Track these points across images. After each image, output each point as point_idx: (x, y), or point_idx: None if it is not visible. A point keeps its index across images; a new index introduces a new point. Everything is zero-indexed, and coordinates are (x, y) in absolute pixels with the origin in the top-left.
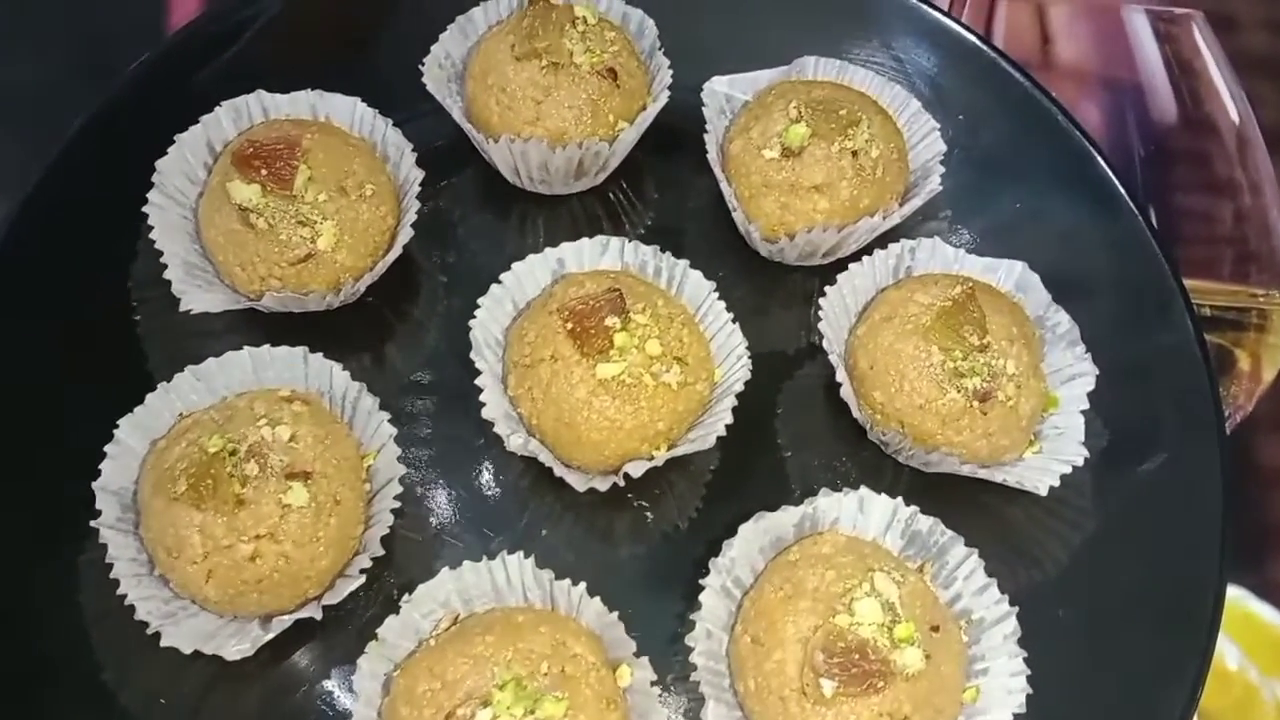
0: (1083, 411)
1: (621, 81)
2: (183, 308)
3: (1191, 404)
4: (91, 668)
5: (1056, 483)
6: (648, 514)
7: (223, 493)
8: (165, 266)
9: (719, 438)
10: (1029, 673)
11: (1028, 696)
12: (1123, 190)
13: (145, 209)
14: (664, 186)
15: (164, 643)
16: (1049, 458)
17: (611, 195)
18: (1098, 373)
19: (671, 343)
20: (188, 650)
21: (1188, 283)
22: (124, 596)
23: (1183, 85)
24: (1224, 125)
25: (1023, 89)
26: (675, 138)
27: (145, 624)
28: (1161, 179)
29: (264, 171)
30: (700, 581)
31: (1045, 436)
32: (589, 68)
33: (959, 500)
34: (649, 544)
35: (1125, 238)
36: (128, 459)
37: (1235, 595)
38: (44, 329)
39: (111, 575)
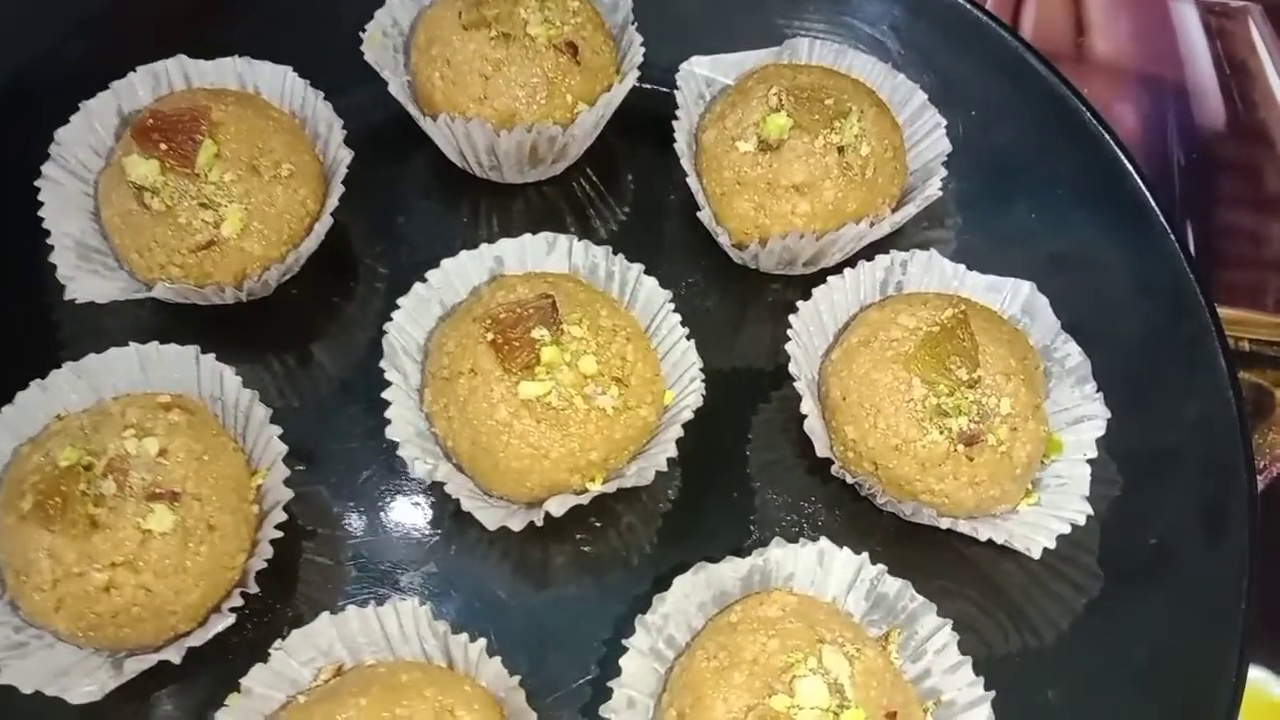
0: (1090, 460)
1: (583, 58)
2: (68, 296)
3: (1219, 454)
4: None
5: (1052, 544)
6: (586, 548)
7: (72, 513)
8: (52, 249)
9: (677, 466)
10: None
11: None
12: (1155, 205)
13: (38, 183)
14: (635, 179)
15: (3, 680)
16: (1047, 512)
17: (574, 186)
18: (1109, 416)
19: (611, 360)
20: (26, 690)
21: (1226, 312)
22: None
23: (1234, 87)
24: (1279, 134)
25: (1047, 85)
26: (651, 124)
27: None
28: (1203, 192)
29: (163, 146)
30: (624, 642)
31: (1045, 486)
32: (546, 41)
33: (942, 551)
34: (583, 586)
35: (1154, 260)
36: None
37: (1258, 679)
38: None
39: None
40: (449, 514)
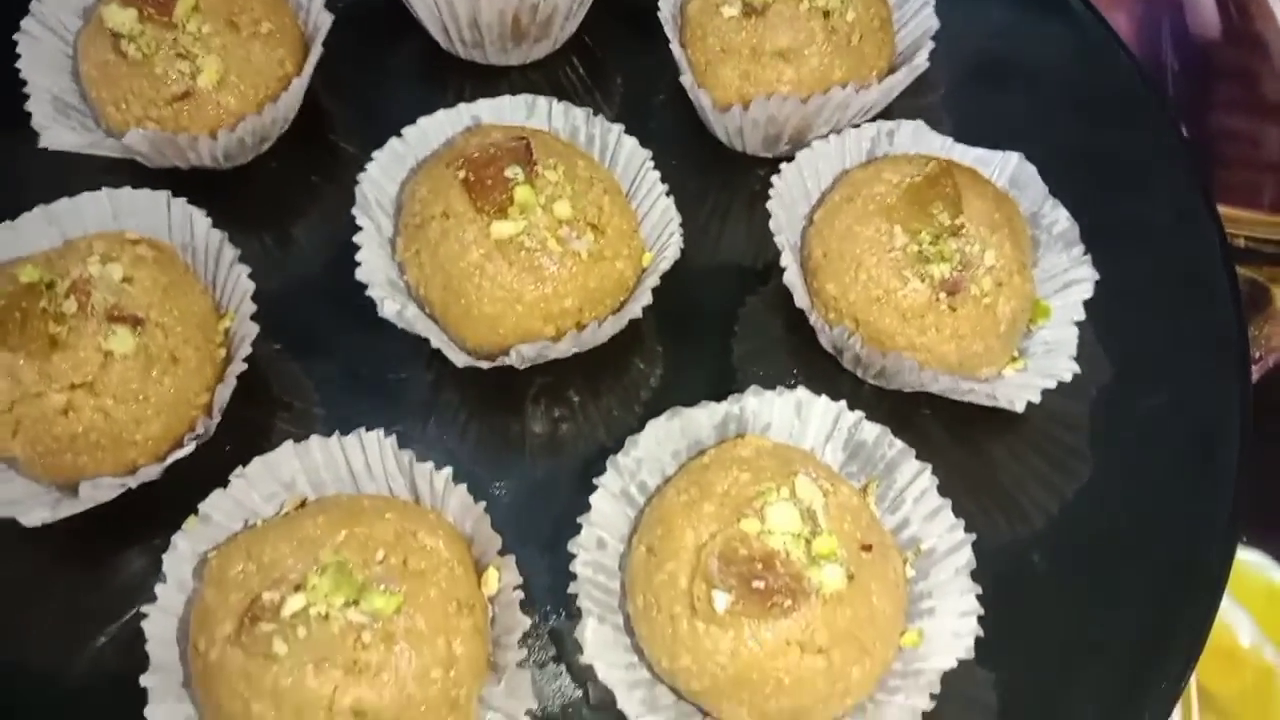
0: (1078, 323)
1: None
2: (42, 143)
3: (1212, 332)
4: None
5: (1037, 399)
6: (563, 425)
7: (32, 330)
8: (27, 99)
9: (660, 352)
10: (981, 612)
11: (989, 654)
12: (1145, 83)
13: (16, 36)
14: (620, 67)
15: None
16: (1033, 374)
17: (559, 73)
18: (1098, 278)
19: (587, 208)
20: None
21: (1223, 210)
22: None
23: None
24: (1274, 43)
25: None
26: (636, 13)
27: None
28: (1198, 96)
29: None
30: (595, 480)
31: (1032, 353)
32: None
33: (928, 428)
34: (558, 456)
35: (1149, 139)
36: None
37: (1256, 563)
38: None
39: None
40: (429, 382)
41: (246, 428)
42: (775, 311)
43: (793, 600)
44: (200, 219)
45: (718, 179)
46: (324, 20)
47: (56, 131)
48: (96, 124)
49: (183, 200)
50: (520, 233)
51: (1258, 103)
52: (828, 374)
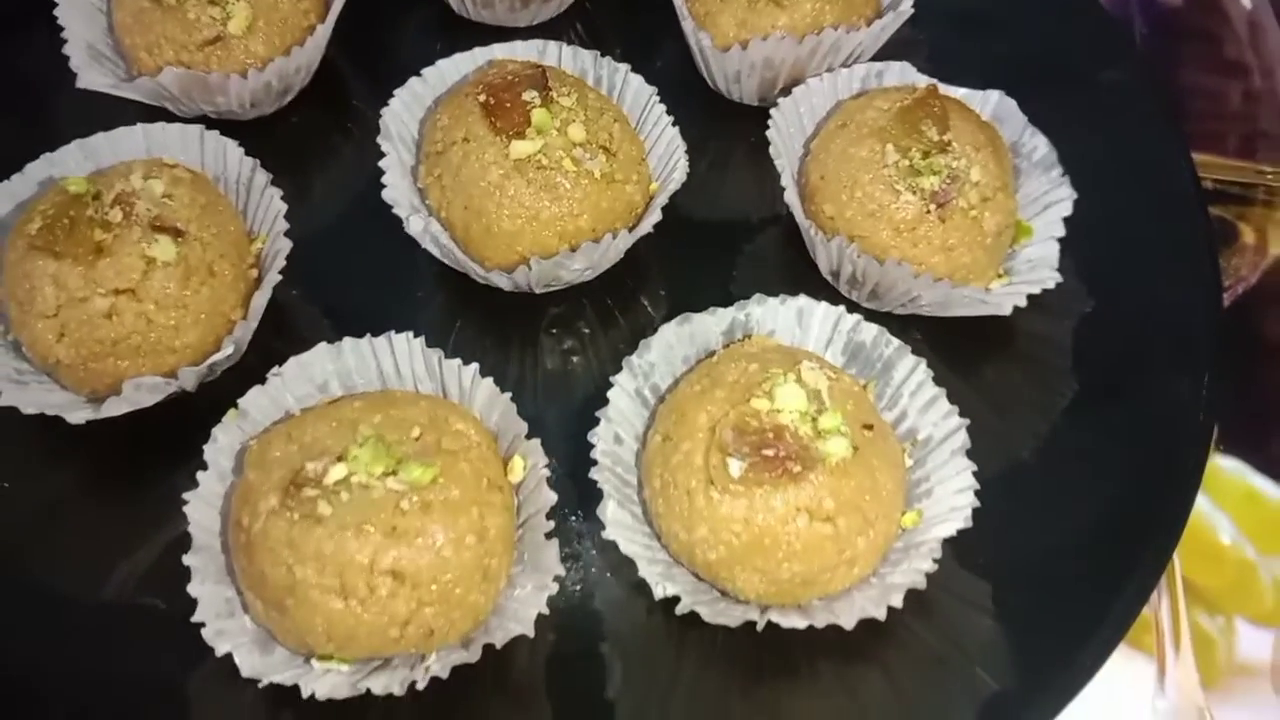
0: (1059, 239)
1: None
2: (79, 84)
3: (1186, 251)
4: None
5: (1023, 302)
6: (574, 358)
7: (79, 236)
8: (65, 43)
9: (660, 294)
10: (977, 486)
11: (980, 546)
12: (1121, 31)
13: None
14: (624, 26)
15: (2, 401)
16: (1018, 283)
17: (564, 33)
18: (1076, 196)
19: (599, 132)
20: (27, 410)
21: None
22: None
23: None
24: (1234, 10)
25: None
26: None
27: None
28: (1166, 57)
29: None
30: (611, 379)
31: (1016, 271)
32: None
33: (920, 351)
34: (568, 390)
35: (1123, 83)
36: None
37: (1234, 468)
38: None
39: None
40: (444, 312)
41: (274, 358)
42: (775, 252)
43: (802, 466)
44: (233, 149)
45: (716, 129)
46: None
47: (91, 74)
48: (128, 73)
49: (215, 133)
50: (537, 152)
51: (1219, 61)
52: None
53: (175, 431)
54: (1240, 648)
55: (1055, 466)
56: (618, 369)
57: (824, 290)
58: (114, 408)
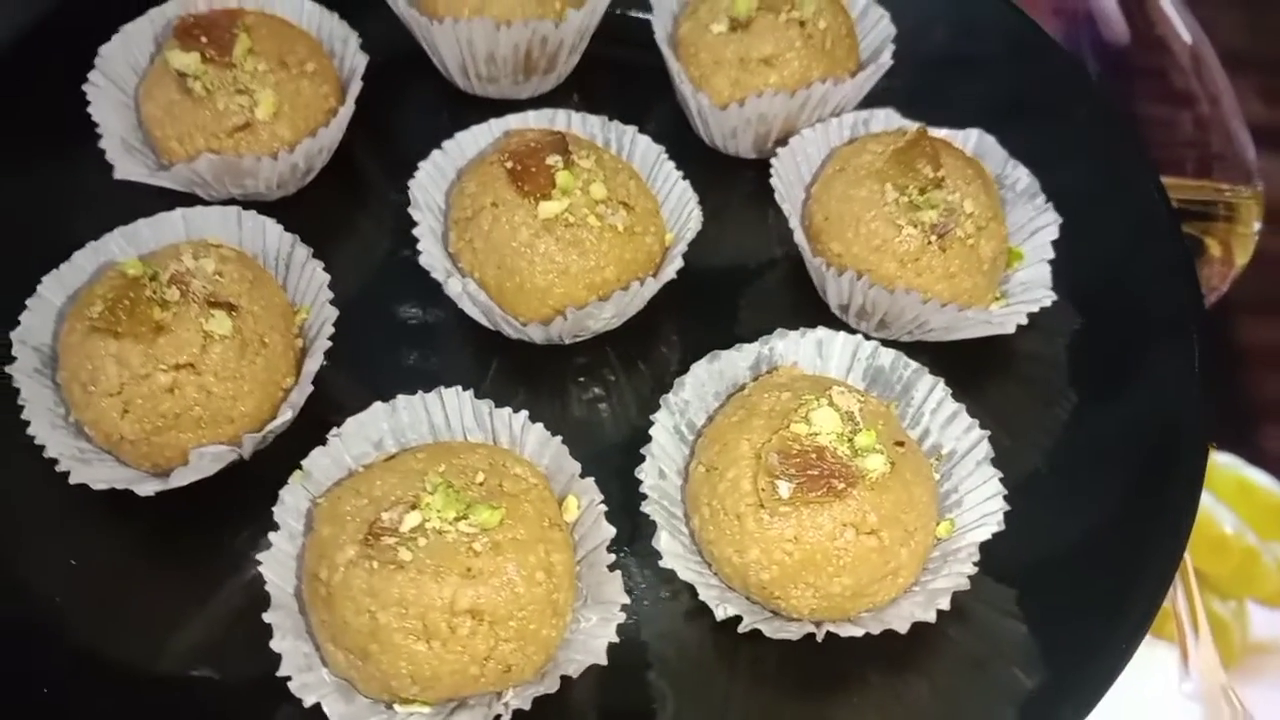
0: (1048, 260)
1: None
2: (116, 175)
3: (1162, 261)
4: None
5: (1025, 320)
6: (601, 405)
7: (141, 315)
8: (100, 137)
9: (673, 340)
10: (1005, 492)
11: (1010, 561)
12: (1081, 70)
13: (85, 88)
14: (619, 97)
15: (73, 479)
16: (1015, 304)
17: (564, 103)
18: (1061, 220)
19: (618, 189)
20: (98, 486)
21: None
22: (31, 441)
23: (1134, 12)
24: (1177, 46)
25: None
26: (634, 47)
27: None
28: (1120, 93)
29: (203, 39)
30: (651, 418)
31: (1011, 293)
32: None
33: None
34: (601, 433)
35: (1088, 118)
36: (48, 313)
37: (1228, 463)
38: None
39: (24, 417)
40: (474, 370)
41: (313, 420)
42: (779, 291)
43: (845, 483)
44: (272, 226)
45: (714, 181)
46: (360, 61)
47: (127, 164)
48: (158, 162)
49: (253, 212)
50: (564, 211)
51: (1169, 92)
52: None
53: (232, 496)
54: (1253, 628)
55: (1066, 473)
56: (641, 412)
57: (832, 324)
58: (181, 478)
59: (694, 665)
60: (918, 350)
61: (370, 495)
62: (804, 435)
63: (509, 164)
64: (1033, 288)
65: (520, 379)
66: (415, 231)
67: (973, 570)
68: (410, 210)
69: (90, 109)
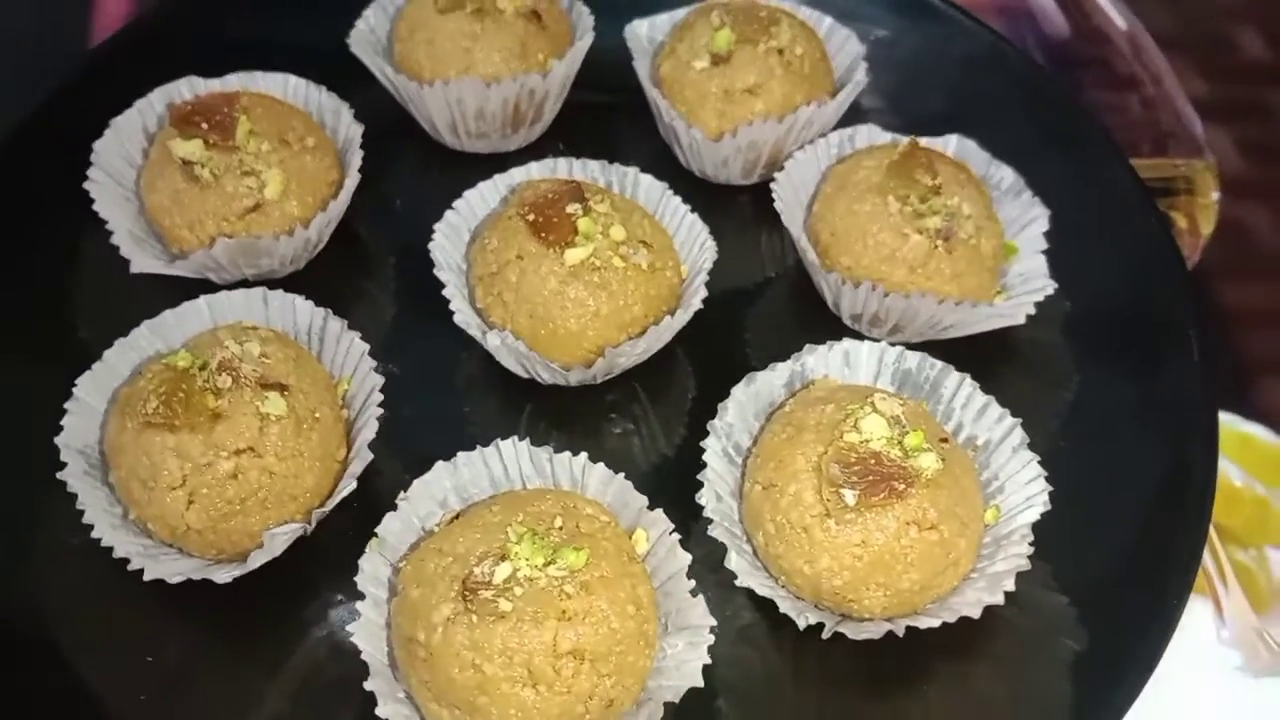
0: (1042, 251)
1: (546, 23)
2: (133, 269)
3: (1143, 240)
4: (70, 624)
5: (1032, 310)
6: (634, 438)
7: (196, 405)
8: (110, 234)
9: (690, 368)
10: (1044, 474)
11: (1049, 540)
12: (1040, 70)
13: (86, 185)
14: (602, 140)
15: (148, 576)
16: (1018, 296)
17: (551, 150)
18: (1049, 213)
19: (635, 229)
20: (174, 580)
21: None
22: (98, 542)
23: (1071, 6)
24: (1114, 33)
25: (926, 5)
26: (609, 92)
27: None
28: (1069, 82)
29: (204, 125)
30: (702, 444)
31: (1011, 286)
32: (513, 11)
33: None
34: (634, 463)
35: (1052, 110)
36: (89, 416)
37: (1227, 420)
38: None
39: (85, 521)
40: (507, 418)
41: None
42: (785, 308)
43: (905, 484)
44: (301, 303)
45: (707, 208)
46: (355, 130)
47: (142, 258)
48: (166, 252)
49: (279, 292)
50: (589, 256)
51: (1114, 78)
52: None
53: (294, 569)
54: (1275, 572)
55: (1088, 450)
56: (669, 440)
57: (844, 334)
58: (257, 560)
59: (768, 679)
60: (927, 350)
61: (454, 553)
62: (858, 443)
63: (530, 216)
64: (1031, 278)
65: (553, 421)
66: (445, 293)
67: (1029, 551)
68: (436, 273)
69: (95, 206)
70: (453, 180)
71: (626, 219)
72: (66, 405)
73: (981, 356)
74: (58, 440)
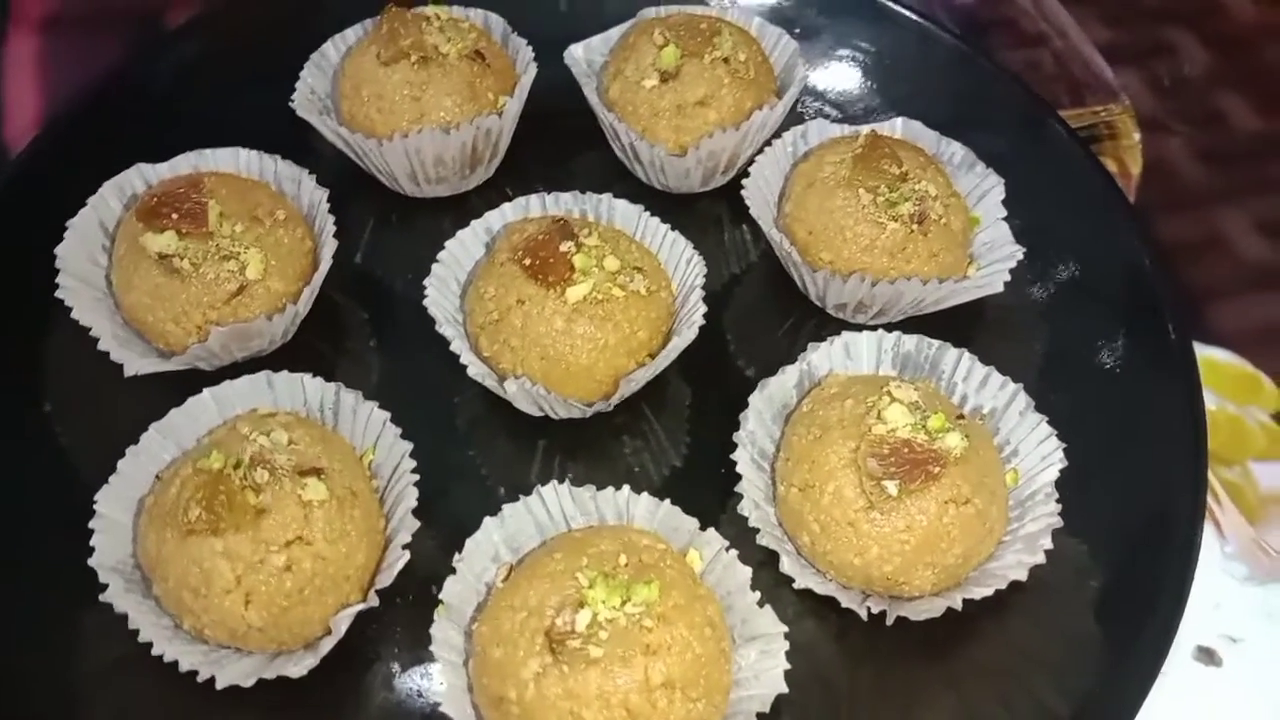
0: (1003, 219)
1: (490, 62)
2: (128, 373)
3: (1093, 192)
4: None
5: (1008, 278)
6: (645, 455)
7: (240, 505)
8: (96, 340)
9: (682, 376)
10: (1055, 432)
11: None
12: (953, 36)
13: (59, 294)
14: (556, 164)
15: (221, 684)
16: (990, 265)
17: (508, 184)
18: (1003, 180)
19: (626, 256)
20: (249, 683)
21: None
22: (159, 659)
23: None
24: None
25: None
26: (551, 119)
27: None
28: (980, 47)
29: (174, 216)
30: (732, 457)
31: (980, 256)
32: (456, 54)
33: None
34: (653, 481)
35: (977, 77)
36: (116, 532)
37: (1215, 355)
38: None
39: (140, 639)
40: (538, 450)
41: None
42: (763, 305)
43: (939, 465)
44: (309, 381)
45: (671, 218)
46: (319, 196)
47: (135, 360)
48: (150, 348)
49: (284, 373)
50: (591, 290)
51: (1023, 37)
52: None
53: (357, 647)
54: (1261, 484)
55: (1080, 406)
56: (676, 451)
57: (829, 322)
58: (327, 646)
59: (822, 663)
60: (903, 328)
61: (527, 607)
62: (886, 434)
63: (526, 260)
64: (996, 246)
65: (568, 452)
66: (453, 348)
67: (1058, 507)
68: (439, 329)
69: (74, 314)
70: (415, 229)
71: (615, 247)
72: (92, 524)
73: (958, 326)
74: (92, 562)
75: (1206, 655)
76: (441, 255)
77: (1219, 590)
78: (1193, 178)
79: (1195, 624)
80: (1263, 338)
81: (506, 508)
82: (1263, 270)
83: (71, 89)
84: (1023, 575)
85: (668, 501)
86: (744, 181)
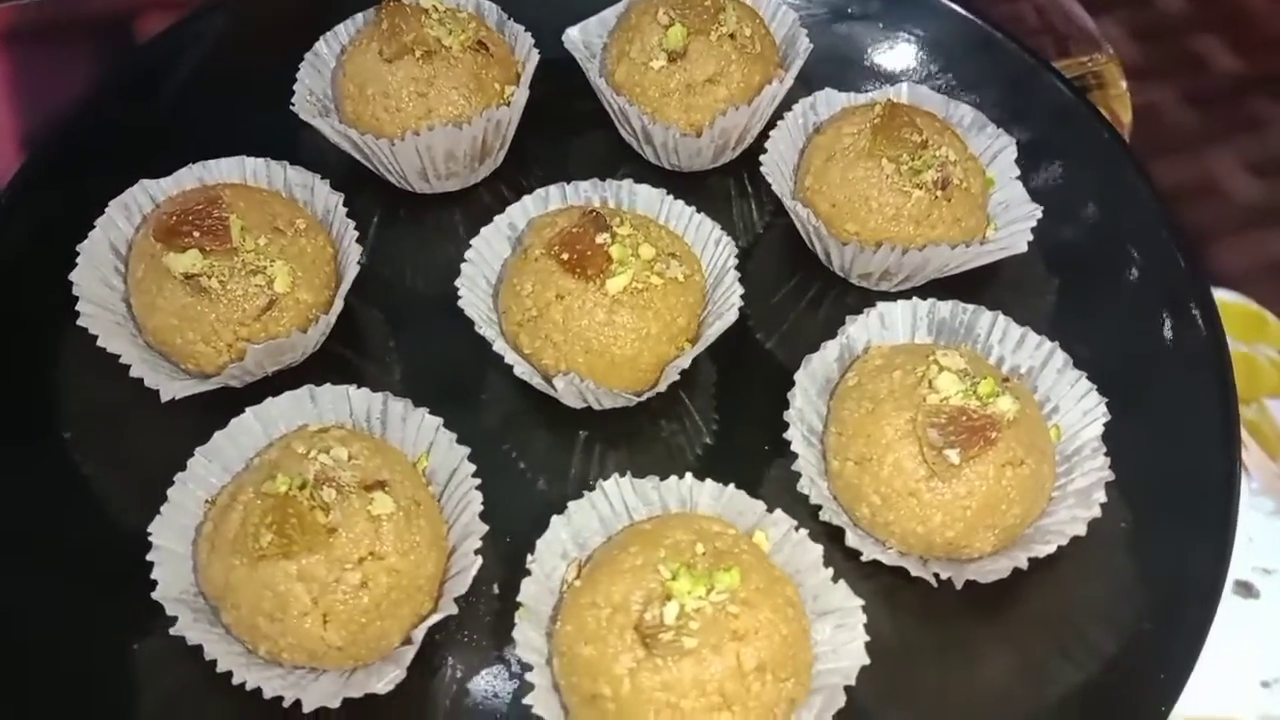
0: (1016, 178)
1: (493, 51)
2: (164, 398)
3: (1098, 149)
4: None
5: (1030, 237)
6: (681, 438)
7: (311, 526)
8: (105, 365)
9: (712, 356)
10: (1095, 387)
11: None
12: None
13: (80, 322)
14: (557, 149)
15: (308, 707)
16: (1010, 226)
17: (518, 174)
18: (1015, 140)
19: (658, 242)
20: (336, 704)
21: None
22: (242, 686)
23: None
24: None
25: None
26: (549, 104)
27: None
28: (966, 7)
29: (196, 234)
30: (785, 436)
31: (997, 215)
32: (460, 47)
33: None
34: (691, 464)
35: (973, 37)
36: (175, 562)
37: (1228, 299)
38: None
39: (219, 670)
40: (579, 441)
41: None
42: (780, 274)
43: (996, 430)
44: (354, 392)
45: (684, 198)
46: (334, 200)
47: (169, 384)
48: (179, 371)
49: (326, 386)
50: (630, 281)
51: None
52: (867, 300)
53: (432, 654)
54: (1277, 420)
55: (1104, 355)
56: (709, 430)
57: (851, 291)
58: (409, 656)
59: (890, 636)
60: (921, 293)
61: (610, 604)
62: (940, 403)
63: (563, 255)
64: (1013, 205)
65: (609, 441)
66: (496, 348)
67: (1107, 461)
68: (479, 330)
69: (100, 341)
70: (427, 226)
71: (648, 235)
72: (150, 556)
73: (974, 289)
74: (156, 595)
75: (1244, 589)
76: (469, 254)
77: (1249, 525)
78: (1180, 121)
79: (1231, 560)
80: (1264, 275)
81: (572, 504)
82: (1257, 209)
83: (49, 106)
84: (1082, 530)
85: (731, 486)
86: (762, 158)
